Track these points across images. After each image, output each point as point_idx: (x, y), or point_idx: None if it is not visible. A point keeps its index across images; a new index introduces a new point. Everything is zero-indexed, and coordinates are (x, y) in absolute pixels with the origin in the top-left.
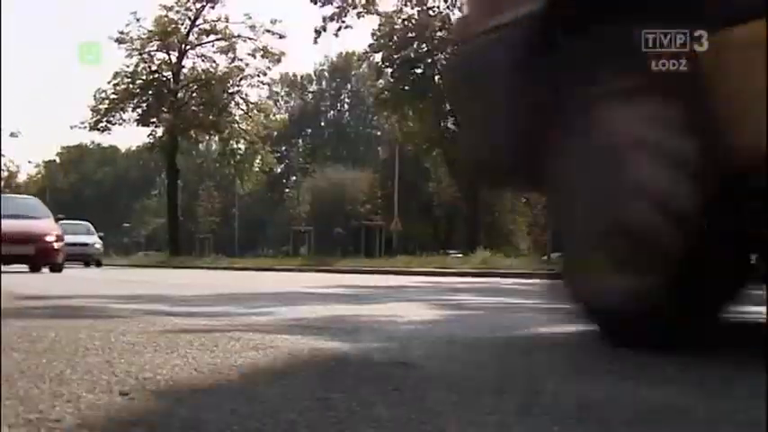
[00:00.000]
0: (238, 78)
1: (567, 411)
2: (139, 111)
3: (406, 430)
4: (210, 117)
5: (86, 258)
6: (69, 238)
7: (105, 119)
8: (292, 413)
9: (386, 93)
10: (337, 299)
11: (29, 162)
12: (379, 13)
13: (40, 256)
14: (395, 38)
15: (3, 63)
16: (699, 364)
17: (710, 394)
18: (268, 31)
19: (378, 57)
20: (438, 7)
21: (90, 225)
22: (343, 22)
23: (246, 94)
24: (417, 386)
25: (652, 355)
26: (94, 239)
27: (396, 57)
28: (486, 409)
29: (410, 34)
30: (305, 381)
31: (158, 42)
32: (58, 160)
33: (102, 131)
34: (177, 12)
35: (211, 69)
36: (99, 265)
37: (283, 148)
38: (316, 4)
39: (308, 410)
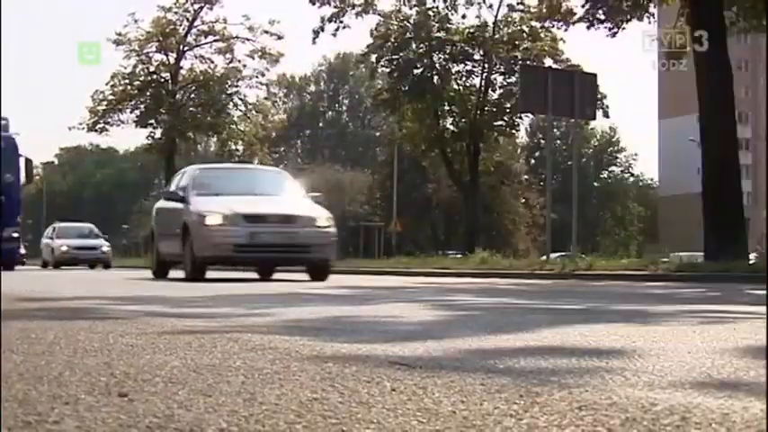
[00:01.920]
0: (236, 79)
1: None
2: (137, 112)
3: (406, 431)
4: (209, 118)
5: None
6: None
7: (103, 120)
8: (292, 414)
9: (384, 93)
10: (336, 300)
11: None
12: (377, 13)
13: None
14: (393, 38)
15: (2, 63)
16: None
17: None
18: (266, 32)
19: (373, 57)
20: (437, 7)
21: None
22: (341, 22)
23: (245, 95)
24: (417, 387)
25: None
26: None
27: (394, 57)
28: (484, 410)
29: (408, 34)
30: (304, 381)
31: (156, 43)
32: (56, 162)
33: (101, 133)
34: (175, 13)
35: (209, 70)
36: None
37: (282, 148)
38: (314, 4)
39: (308, 411)
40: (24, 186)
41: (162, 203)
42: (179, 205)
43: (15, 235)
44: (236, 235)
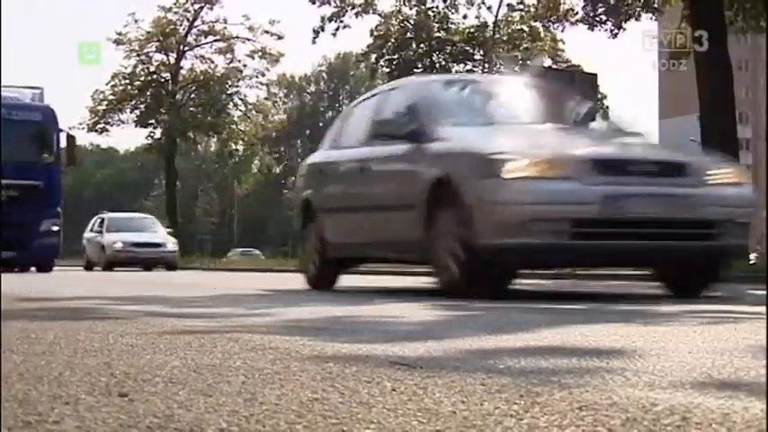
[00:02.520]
0: (237, 79)
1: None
2: (138, 112)
3: (407, 431)
4: (209, 118)
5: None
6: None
7: (104, 120)
8: (292, 414)
9: None
10: (336, 299)
11: None
12: (377, 13)
13: None
14: (393, 38)
15: (2, 63)
16: None
17: None
18: (266, 32)
19: (373, 57)
20: (437, 7)
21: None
22: (341, 21)
23: (245, 95)
24: (417, 387)
25: None
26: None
27: (394, 57)
28: (485, 410)
29: (409, 34)
30: (305, 381)
31: (157, 43)
32: None
33: (101, 133)
34: (176, 13)
35: (210, 70)
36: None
37: (282, 148)
38: (314, 4)
39: (309, 411)
40: (66, 169)
41: (326, 154)
42: (400, 147)
43: (55, 228)
44: (579, 199)
